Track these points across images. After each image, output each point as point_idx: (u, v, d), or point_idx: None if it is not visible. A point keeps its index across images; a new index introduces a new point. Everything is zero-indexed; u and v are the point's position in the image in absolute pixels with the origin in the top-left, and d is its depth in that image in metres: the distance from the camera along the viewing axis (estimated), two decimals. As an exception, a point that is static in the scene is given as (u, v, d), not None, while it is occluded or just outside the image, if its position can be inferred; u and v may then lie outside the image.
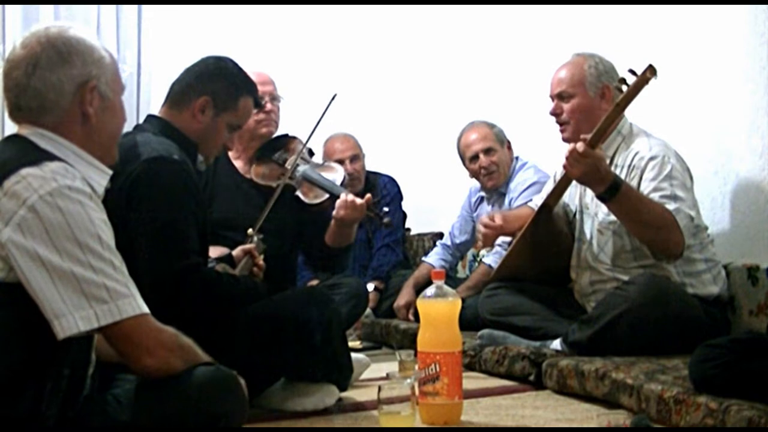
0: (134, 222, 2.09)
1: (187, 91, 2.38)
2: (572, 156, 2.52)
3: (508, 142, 3.74)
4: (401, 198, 4.27)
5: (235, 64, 2.48)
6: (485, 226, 3.09)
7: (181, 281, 2.10)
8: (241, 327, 2.23)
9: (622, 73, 2.75)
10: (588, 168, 2.50)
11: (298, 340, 2.25)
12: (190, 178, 2.21)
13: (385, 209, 3.13)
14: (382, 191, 4.17)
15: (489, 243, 3.22)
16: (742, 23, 2.88)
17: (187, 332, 1.66)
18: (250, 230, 2.57)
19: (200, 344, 1.69)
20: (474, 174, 3.75)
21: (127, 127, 1.90)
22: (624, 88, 2.54)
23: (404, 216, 4.34)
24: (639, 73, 2.50)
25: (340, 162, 3.96)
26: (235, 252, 2.54)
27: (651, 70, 2.49)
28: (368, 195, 2.92)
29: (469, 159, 3.72)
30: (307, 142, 3.04)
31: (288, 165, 2.96)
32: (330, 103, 2.99)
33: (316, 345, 2.28)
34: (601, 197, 2.56)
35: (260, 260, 2.53)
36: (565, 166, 2.58)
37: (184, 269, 2.11)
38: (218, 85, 2.39)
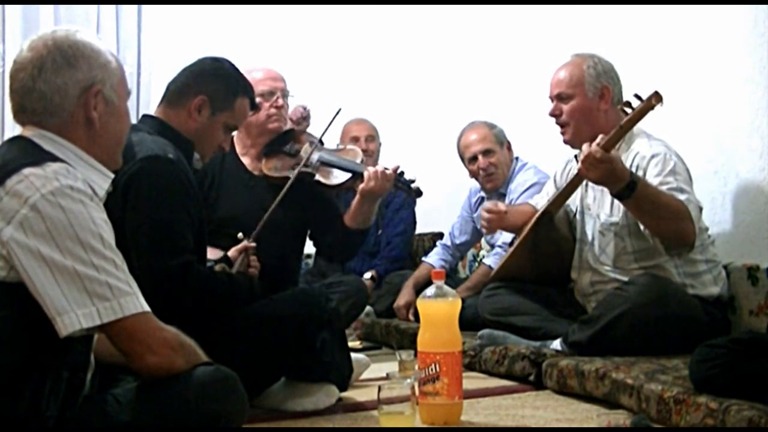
0: (130, 220, 2.10)
1: (184, 90, 2.39)
2: (588, 161, 2.50)
3: (508, 143, 3.74)
4: (414, 199, 4.28)
5: (232, 65, 2.48)
6: (488, 211, 3.08)
7: (176, 279, 2.11)
8: (240, 327, 2.23)
9: (624, 74, 2.76)
10: (604, 172, 2.49)
11: (298, 340, 2.26)
12: (185, 176, 2.21)
13: (411, 178, 3.10)
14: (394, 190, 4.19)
15: (493, 229, 3.20)
16: (742, 23, 2.88)
17: (186, 332, 1.66)
18: (240, 234, 2.58)
19: (200, 344, 1.69)
20: (473, 175, 3.75)
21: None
22: (629, 110, 2.52)
23: (414, 220, 4.34)
24: (644, 98, 2.48)
25: (356, 140, 4.14)
26: (231, 252, 2.54)
27: (657, 97, 2.46)
28: (395, 164, 2.92)
29: (468, 160, 3.72)
30: (323, 134, 3.02)
31: (302, 153, 2.94)
32: (335, 116, 2.99)
33: (315, 345, 2.28)
34: (618, 195, 2.54)
35: (254, 260, 2.54)
36: (580, 170, 2.56)
37: (179, 267, 2.12)
38: (215, 85, 2.39)
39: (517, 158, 3.75)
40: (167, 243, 2.13)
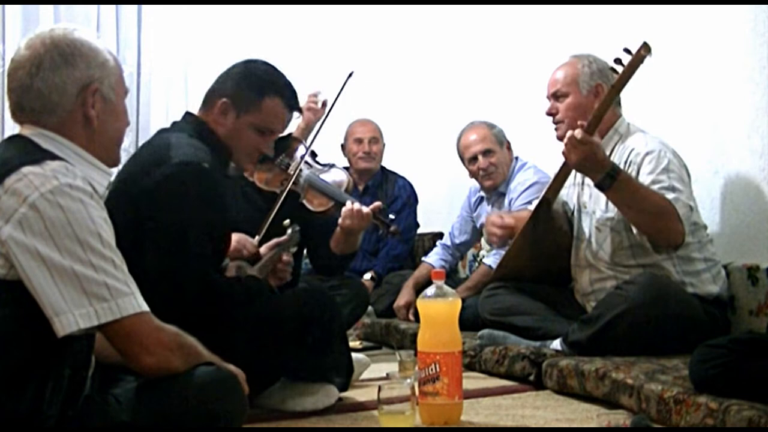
0: (154, 223, 2.09)
1: (210, 94, 2.37)
2: (570, 142, 2.54)
3: (508, 143, 3.74)
4: (416, 201, 4.29)
5: (267, 65, 2.42)
6: (499, 226, 3.07)
7: (188, 291, 2.09)
8: (241, 327, 2.22)
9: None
10: (585, 154, 2.52)
11: (298, 340, 2.25)
12: (216, 185, 2.18)
13: (392, 216, 3.10)
14: (396, 191, 4.19)
15: (503, 243, 3.17)
16: (742, 23, 2.88)
17: (188, 331, 1.66)
18: (286, 221, 2.54)
19: (201, 343, 1.69)
20: (473, 175, 3.75)
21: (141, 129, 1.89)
22: (619, 69, 2.54)
23: (416, 222, 4.32)
24: (633, 51, 2.50)
25: (359, 142, 4.16)
26: (262, 249, 2.53)
27: (645, 48, 2.50)
28: (377, 203, 2.90)
29: (468, 160, 3.72)
30: (311, 144, 3.00)
31: (291, 170, 2.92)
32: (346, 80, 2.97)
33: (316, 345, 2.28)
34: (599, 185, 2.56)
35: (287, 256, 2.51)
36: (563, 153, 2.59)
37: (193, 279, 2.11)
38: (238, 85, 2.35)
39: (516, 158, 3.75)
40: (185, 252, 2.11)
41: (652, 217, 2.57)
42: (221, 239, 2.28)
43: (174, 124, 2.39)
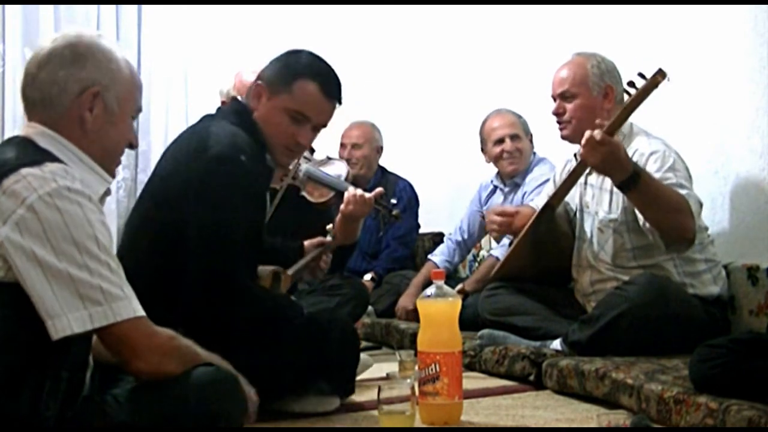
0: (188, 217, 2.09)
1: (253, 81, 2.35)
2: (589, 143, 2.48)
3: (530, 135, 3.75)
4: (417, 204, 4.26)
5: (310, 55, 2.37)
6: (500, 214, 3.05)
7: (219, 283, 2.07)
8: (263, 342, 2.17)
9: (625, 72, 2.75)
10: (605, 156, 2.47)
11: (318, 362, 2.23)
12: (252, 180, 2.16)
13: (393, 201, 3.09)
14: (396, 194, 4.18)
15: (503, 232, 3.15)
16: (742, 23, 2.88)
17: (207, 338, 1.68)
18: (330, 226, 2.55)
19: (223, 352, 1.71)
20: (494, 158, 3.71)
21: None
22: (632, 91, 2.52)
23: (417, 224, 4.31)
24: (648, 76, 2.48)
25: (343, 146, 4.14)
26: (307, 243, 2.53)
27: (661, 74, 2.46)
28: (378, 189, 2.90)
29: (493, 142, 3.69)
30: None
31: (290, 166, 2.93)
32: None
33: (332, 369, 2.26)
34: (622, 186, 2.53)
35: (326, 256, 2.54)
36: (582, 154, 2.54)
37: (224, 273, 2.08)
38: (274, 68, 2.31)
39: (534, 153, 3.76)
40: (217, 246, 2.08)
41: (670, 214, 2.54)
42: (256, 238, 2.25)
43: (219, 109, 2.36)
